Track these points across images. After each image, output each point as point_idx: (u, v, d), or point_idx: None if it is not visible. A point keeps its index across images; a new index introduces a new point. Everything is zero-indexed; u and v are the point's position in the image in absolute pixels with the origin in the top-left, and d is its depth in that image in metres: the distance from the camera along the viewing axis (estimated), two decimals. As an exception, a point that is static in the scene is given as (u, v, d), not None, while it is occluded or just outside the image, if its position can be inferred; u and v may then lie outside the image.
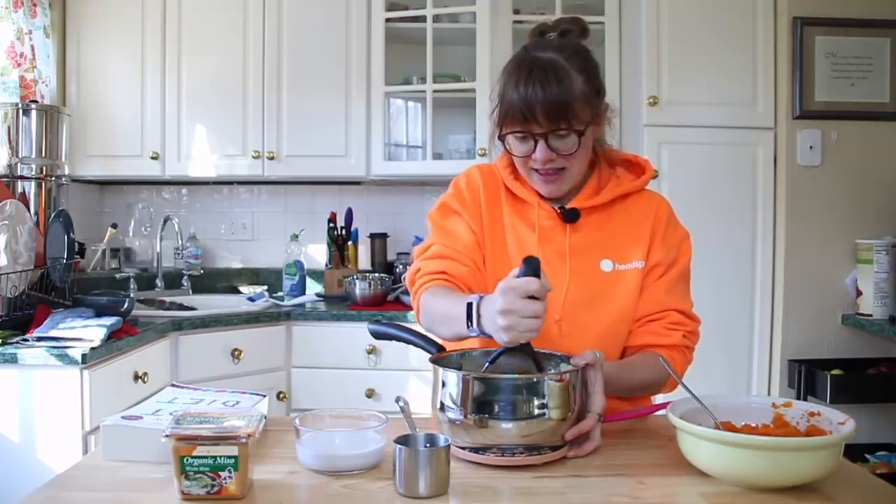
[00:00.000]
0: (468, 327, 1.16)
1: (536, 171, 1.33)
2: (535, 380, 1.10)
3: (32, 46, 2.83)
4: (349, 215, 3.31)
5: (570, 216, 1.37)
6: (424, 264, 1.37)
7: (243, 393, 1.34)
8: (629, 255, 1.38)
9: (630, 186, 1.41)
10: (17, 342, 2.06)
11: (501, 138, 1.33)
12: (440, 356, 1.21)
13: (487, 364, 1.17)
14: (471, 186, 1.43)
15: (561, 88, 1.25)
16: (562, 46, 1.31)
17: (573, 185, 1.38)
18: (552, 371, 1.20)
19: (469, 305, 1.15)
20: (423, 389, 2.62)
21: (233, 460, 0.98)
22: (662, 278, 1.38)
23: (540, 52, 1.30)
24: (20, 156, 2.46)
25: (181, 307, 2.99)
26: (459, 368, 1.20)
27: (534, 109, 1.25)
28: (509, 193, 1.42)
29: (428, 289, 1.33)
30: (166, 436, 0.99)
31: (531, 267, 1.07)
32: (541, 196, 1.40)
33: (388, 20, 3.08)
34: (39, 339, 2.07)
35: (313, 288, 3.34)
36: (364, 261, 3.41)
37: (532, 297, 1.06)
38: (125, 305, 2.38)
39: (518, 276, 1.08)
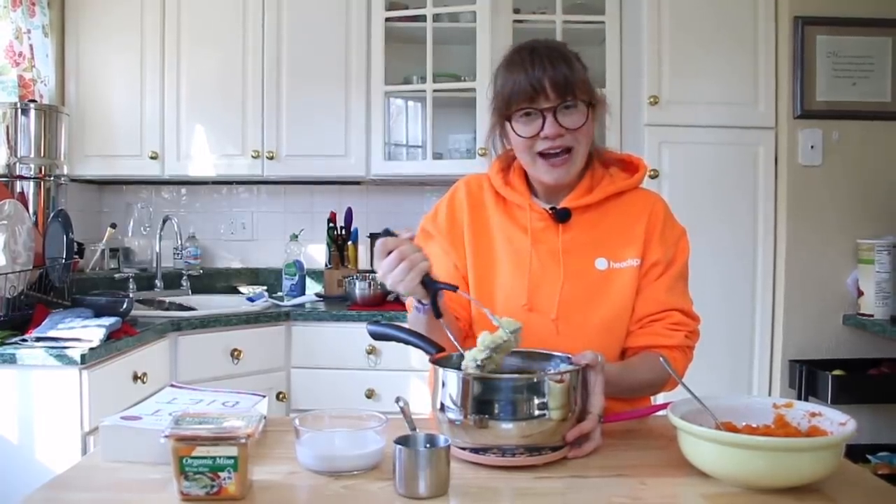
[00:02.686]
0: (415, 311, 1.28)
1: (542, 156, 1.33)
2: (535, 380, 1.10)
3: (31, 46, 2.83)
4: (349, 215, 3.31)
5: (562, 216, 1.38)
6: None
7: (243, 393, 1.34)
8: (624, 254, 1.38)
9: (624, 184, 1.41)
10: (15, 342, 2.06)
11: (508, 118, 1.34)
12: (440, 356, 1.21)
13: (442, 321, 1.24)
14: (451, 207, 1.46)
15: (568, 65, 1.30)
16: (553, 41, 1.37)
17: (576, 172, 1.37)
18: (552, 371, 1.19)
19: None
20: (423, 389, 2.61)
21: (232, 461, 0.98)
22: (662, 277, 1.38)
23: (536, 42, 1.35)
24: (19, 155, 2.46)
25: (180, 307, 2.98)
26: (459, 368, 1.20)
27: (543, 83, 1.29)
28: (500, 199, 1.44)
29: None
30: (166, 436, 0.99)
31: (381, 235, 1.21)
32: (532, 196, 1.41)
33: (387, 19, 3.08)
34: (38, 339, 2.06)
35: (313, 288, 3.34)
36: (364, 261, 3.40)
37: (389, 252, 1.18)
38: (124, 305, 2.37)
39: None
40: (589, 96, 1.33)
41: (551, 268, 1.36)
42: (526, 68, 1.30)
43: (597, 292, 1.36)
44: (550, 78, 1.28)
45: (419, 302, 1.24)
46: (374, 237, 3.35)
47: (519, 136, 1.34)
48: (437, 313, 1.22)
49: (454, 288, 1.21)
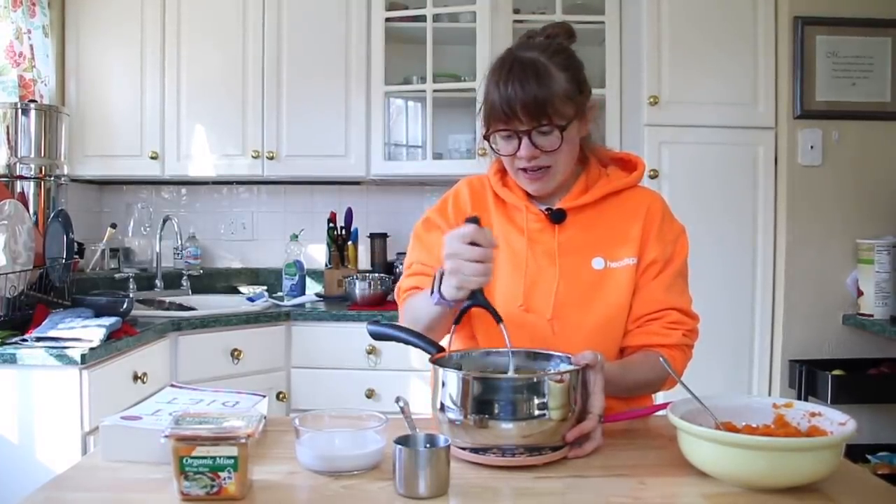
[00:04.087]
0: (430, 295, 1.22)
1: (523, 169, 1.34)
2: (535, 380, 1.10)
3: (31, 46, 2.83)
4: (349, 215, 3.31)
5: (557, 217, 1.38)
6: (404, 281, 1.46)
7: (243, 393, 1.34)
8: (621, 253, 1.38)
9: (620, 183, 1.41)
10: (16, 342, 2.06)
11: (487, 137, 1.34)
12: (440, 356, 1.21)
13: (454, 326, 1.21)
14: (457, 202, 1.46)
15: (541, 86, 1.26)
16: (544, 46, 1.33)
17: (560, 183, 1.38)
18: (552, 371, 1.19)
19: (433, 277, 1.22)
20: (423, 389, 2.61)
21: (232, 461, 0.98)
22: (660, 276, 1.38)
23: (522, 52, 1.32)
24: (19, 155, 2.46)
25: (181, 307, 2.99)
26: (459, 369, 1.20)
27: (514, 107, 1.27)
28: (499, 200, 1.44)
29: (405, 300, 1.43)
30: (166, 436, 0.99)
31: (472, 220, 1.16)
32: (529, 198, 1.41)
33: (387, 20, 3.08)
34: (38, 339, 2.06)
35: (313, 288, 3.34)
36: (364, 261, 3.40)
37: (474, 244, 1.14)
38: (124, 305, 2.38)
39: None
40: (570, 111, 1.29)
41: (547, 268, 1.37)
42: (500, 88, 1.27)
43: (593, 292, 1.36)
44: (521, 101, 1.25)
45: (442, 297, 1.20)
46: (374, 237, 3.35)
47: (498, 153, 1.35)
48: (458, 320, 1.21)
49: (499, 318, 1.17)
